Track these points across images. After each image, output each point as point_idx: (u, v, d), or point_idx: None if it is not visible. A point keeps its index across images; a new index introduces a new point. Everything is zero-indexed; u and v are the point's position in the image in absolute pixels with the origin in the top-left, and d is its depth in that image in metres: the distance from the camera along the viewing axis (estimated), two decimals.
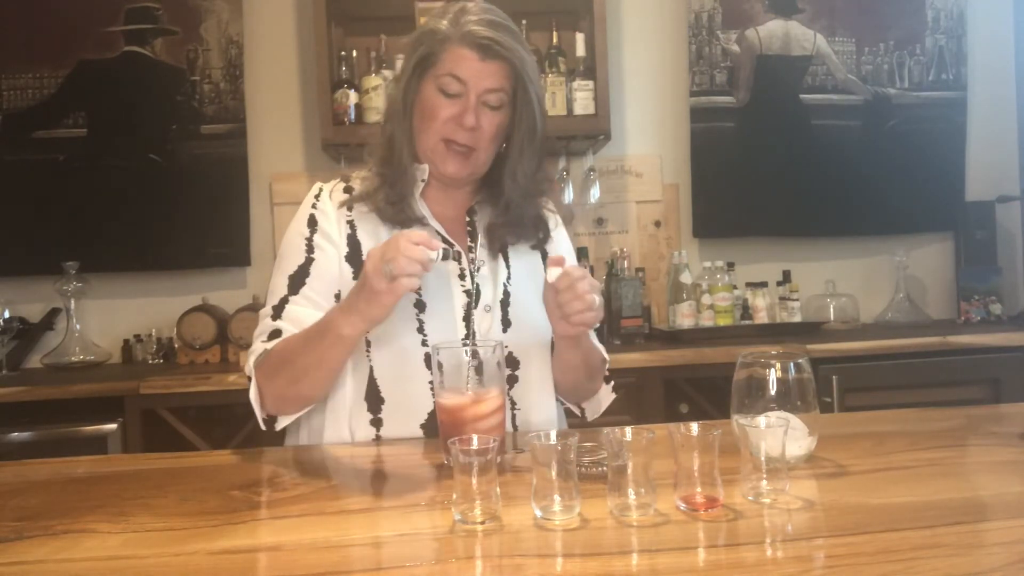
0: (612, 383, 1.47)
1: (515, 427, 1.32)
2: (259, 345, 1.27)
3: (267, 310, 1.31)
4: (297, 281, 1.30)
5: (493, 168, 1.37)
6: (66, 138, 2.82)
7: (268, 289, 1.35)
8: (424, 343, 1.27)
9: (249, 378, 1.27)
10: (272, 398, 1.25)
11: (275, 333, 1.27)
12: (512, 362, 1.32)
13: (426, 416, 1.26)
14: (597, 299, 1.19)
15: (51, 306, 2.83)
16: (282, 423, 1.28)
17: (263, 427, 1.28)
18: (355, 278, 1.28)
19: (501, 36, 1.26)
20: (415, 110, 1.31)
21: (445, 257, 1.12)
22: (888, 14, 3.08)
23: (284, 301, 1.29)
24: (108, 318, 2.86)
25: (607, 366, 1.46)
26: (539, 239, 1.42)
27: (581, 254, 2.78)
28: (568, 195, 2.92)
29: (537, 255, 1.43)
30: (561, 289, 1.18)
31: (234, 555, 0.80)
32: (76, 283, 2.72)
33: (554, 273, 1.18)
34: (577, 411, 1.47)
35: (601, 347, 1.45)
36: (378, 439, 1.27)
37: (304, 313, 1.27)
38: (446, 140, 1.29)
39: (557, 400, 1.42)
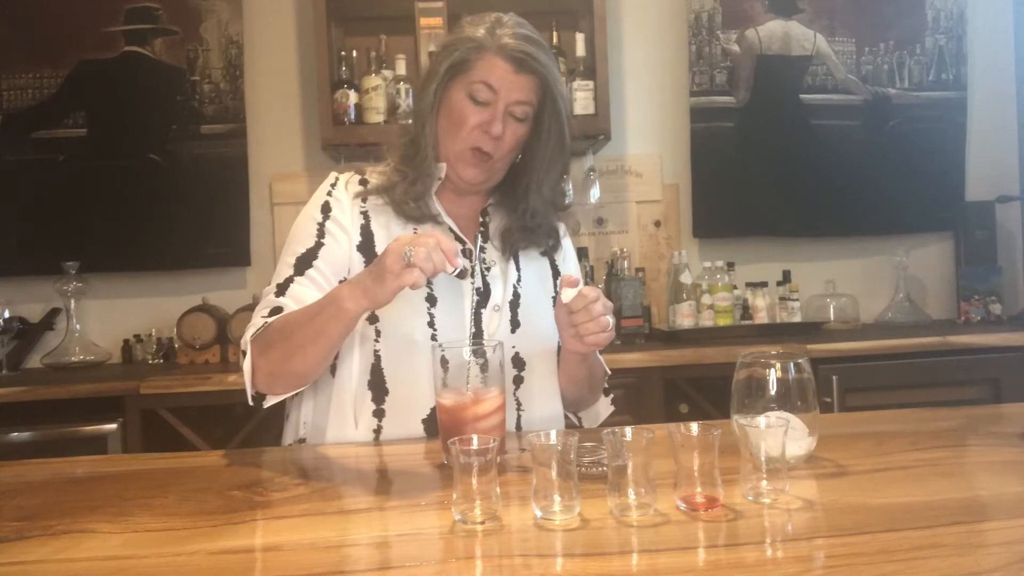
0: (611, 396, 1.49)
1: (519, 428, 1.33)
2: (259, 320, 1.27)
3: (271, 287, 1.31)
4: (304, 263, 1.31)
5: (508, 175, 1.40)
6: (66, 138, 2.82)
7: (276, 267, 1.35)
8: (434, 337, 1.28)
9: (244, 352, 1.27)
10: (264, 373, 1.24)
11: (276, 309, 1.27)
12: (518, 363, 1.34)
13: (428, 411, 1.27)
14: (610, 320, 1.22)
15: (51, 306, 2.83)
16: (270, 402, 1.27)
17: (251, 403, 1.27)
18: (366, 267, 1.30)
19: (535, 51, 1.29)
20: (441, 113, 1.33)
21: (461, 275, 1.13)
22: (888, 14, 3.08)
23: (289, 280, 1.30)
24: (108, 318, 2.85)
25: (607, 378, 1.48)
26: (549, 246, 1.46)
27: (581, 254, 2.78)
28: (568, 195, 2.91)
29: (546, 261, 1.46)
30: (576, 310, 1.21)
31: (234, 555, 0.80)
32: (76, 283, 2.72)
33: (569, 294, 1.20)
34: (574, 419, 1.49)
35: (603, 360, 1.47)
36: (379, 431, 1.28)
37: (307, 294, 1.28)
38: (472, 148, 1.31)
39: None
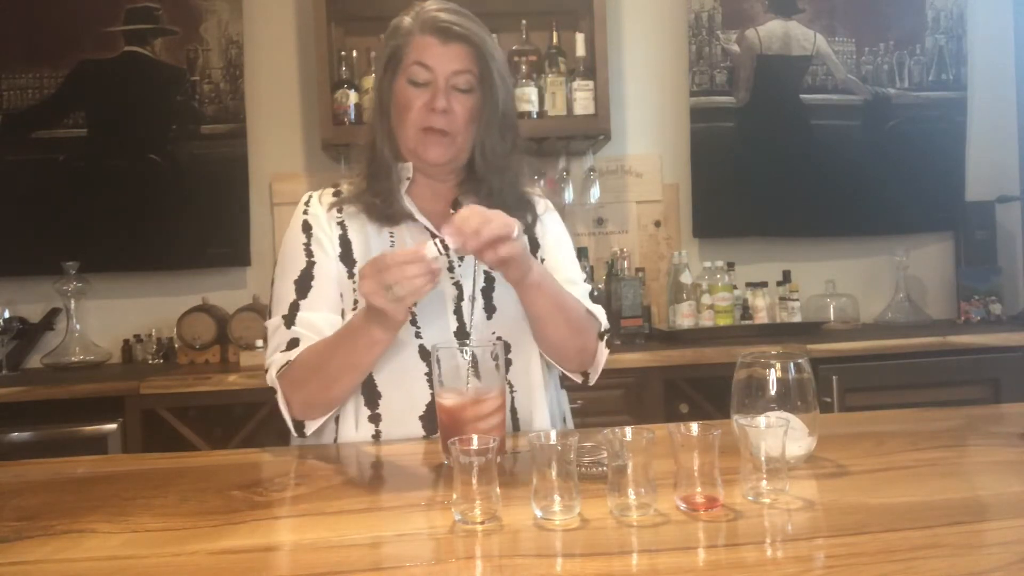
0: (606, 337, 1.39)
1: (514, 409, 1.33)
2: (279, 356, 1.27)
3: (276, 320, 1.31)
4: (303, 285, 1.31)
5: (474, 158, 1.38)
6: (66, 138, 2.82)
7: (272, 298, 1.35)
8: (418, 335, 1.29)
9: (273, 389, 1.28)
10: (300, 405, 1.26)
11: (294, 342, 1.27)
12: (504, 347, 1.32)
13: (424, 407, 1.27)
14: (516, 229, 1.12)
15: (51, 306, 2.83)
16: (311, 428, 1.28)
17: (295, 432, 1.29)
18: (349, 277, 1.32)
19: (459, 19, 1.30)
20: (392, 108, 1.34)
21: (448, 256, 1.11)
22: (888, 14, 3.08)
23: (295, 308, 1.30)
24: (108, 318, 2.86)
25: (604, 327, 1.39)
26: (527, 223, 1.40)
27: (581, 254, 2.78)
28: (568, 195, 2.92)
29: (523, 237, 1.40)
30: (466, 234, 1.10)
31: (234, 555, 0.80)
32: (76, 283, 2.72)
33: (451, 240, 1.09)
34: (579, 379, 1.41)
35: (590, 303, 1.38)
36: (378, 435, 1.28)
37: (318, 318, 1.28)
38: (424, 128, 1.31)
39: (558, 375, 1.43)
